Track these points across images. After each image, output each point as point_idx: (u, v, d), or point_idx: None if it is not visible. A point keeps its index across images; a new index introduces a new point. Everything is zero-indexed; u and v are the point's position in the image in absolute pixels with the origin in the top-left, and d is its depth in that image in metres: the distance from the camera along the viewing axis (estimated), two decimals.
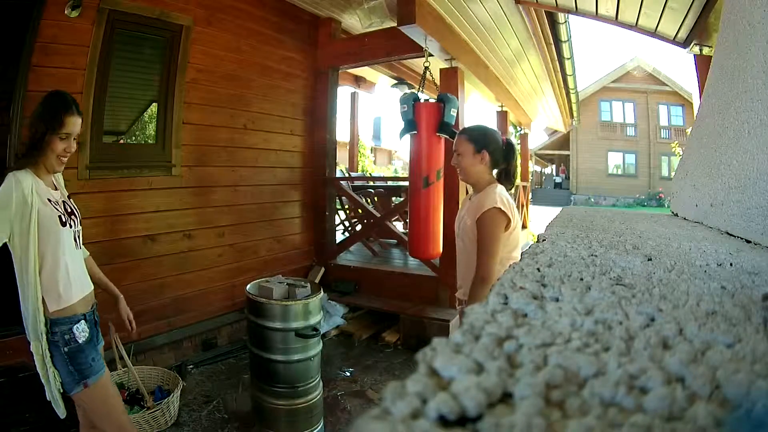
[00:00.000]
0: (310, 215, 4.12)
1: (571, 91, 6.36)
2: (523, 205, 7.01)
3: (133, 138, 2.97)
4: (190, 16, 2.96)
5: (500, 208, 1.60)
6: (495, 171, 1.76)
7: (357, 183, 5.39)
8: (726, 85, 0.73)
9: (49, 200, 1.40)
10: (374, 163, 14.41)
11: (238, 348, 3.17)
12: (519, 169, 1.82)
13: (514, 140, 8.03)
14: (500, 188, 1.69)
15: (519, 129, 8.37)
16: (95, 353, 1.47)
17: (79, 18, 2.40)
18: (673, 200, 1.01)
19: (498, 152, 1.72)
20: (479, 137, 1.71)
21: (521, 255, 0.42)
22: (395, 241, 4.72)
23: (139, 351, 2.70)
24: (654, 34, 3.17)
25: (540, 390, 0.16)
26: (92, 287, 1.58)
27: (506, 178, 1.76)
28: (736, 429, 0.14)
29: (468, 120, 3.82)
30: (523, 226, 6.90)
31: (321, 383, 2.22)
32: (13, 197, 1.30)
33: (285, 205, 3.88)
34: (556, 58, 4.95)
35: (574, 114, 8.14)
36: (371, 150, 13.60)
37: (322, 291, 2.23)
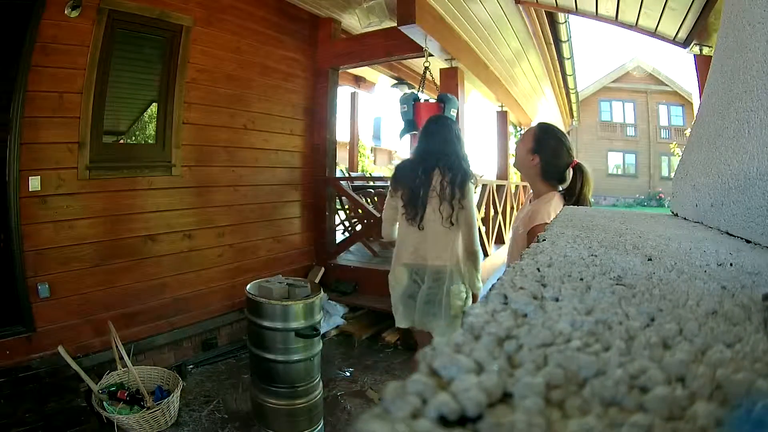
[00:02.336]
0: (310, 215, 4.12)
1: (571, 91, 6.37)
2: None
3: (133, 138, 2.97)
4: (190, 16, 2.96)
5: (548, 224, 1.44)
6: (561, 187, 1.58)
7: (357, 183, 5.39)
8: (726, 85, 0.73)
9: None
10: (374, 163, 14.40)
11: (238, 348, 3.17)
12: (590, 199, 1.60)
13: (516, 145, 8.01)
14: (556, 202, 1.49)
15: (519, 129, 8.36)
16: None
17: (79, 18, 2.40)
18: (673, 200, 1.01)
19: (553, 168, 1.53)
20: (540, 139, 1.53)
21: (521, 255, 0.41)
22: None
23: (139, 351, 2.70)
24: (654, 34, 3.17)
25: (540, 390, 0.16)
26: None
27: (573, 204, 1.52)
28: (736, 429, 0.14)
29: (468, 120, 3.83)
30: None
31: (321, 383, 2.22)
32: None
33: (285, 205, 3.88)
34: (556, 58, 4.95)
35: (574, 114, 8.15)
36: (371, 150, 13.58)
37: (322, 291, 2.23)
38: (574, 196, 1.54)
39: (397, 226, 2.12)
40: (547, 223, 1.40)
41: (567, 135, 1.65)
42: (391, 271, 2.10)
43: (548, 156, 1.53)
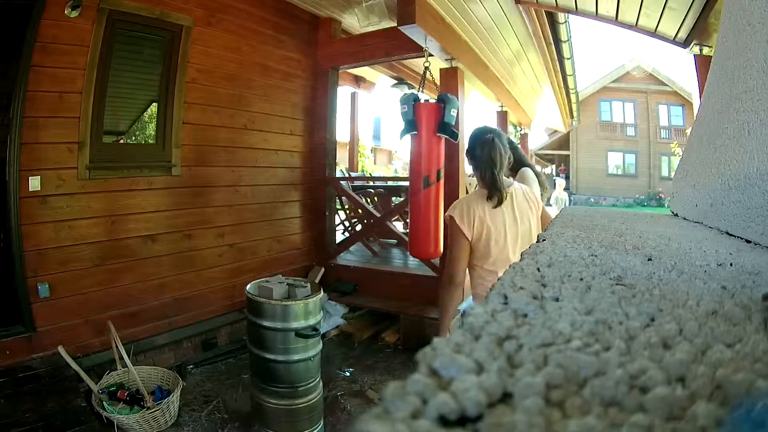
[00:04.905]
0: (310, 215, 4.12)
1: (571, 91, 6.35)
2: None
3: (133, 138, 2.97)
4: (190, 16, 2.96)
5: (451, 215, 1.58)
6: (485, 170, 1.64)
7: (357, 183, 5.39)
8: (726, 85, 0.73)
9: None
10: (374, 163, 14.41)
11: (238, 348, 3.17)
12: (497, 175, 1.57)
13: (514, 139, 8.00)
14: (470, 196, 1.62)
15: (519, 129, 8.37)
16: None
17: (79, 18, 2.40)
18: (673, 200, 1.01)
19: (473, 158, 1.64)
20: (470, 139, 1.70)
21: (521, 255, 0.42)
22: (395, 241, 4.72)
23: (139, 351, 2.70)
24: (654, 34, 3.17)
25: (540, 390, 0.16)
26: None
27: (490, 186, 1.57)
28: (736, 429, 0.14)
29: (468, 120, 3.82)
30: None
31: (321, 383, 2.22)
32: None
33: (285, 205, 3.88)
34: (556, 58, 4.94)
35: (574, 114, 8.14)
36: (371, 150, 13.60)
37: (322, 291, 2.23)
38: (488, 163, 1.59)
39: None
40: (449, 215, 1.60)
41: (497, 133, 1.70)
42: None
43: (468, 154, 1.70)
